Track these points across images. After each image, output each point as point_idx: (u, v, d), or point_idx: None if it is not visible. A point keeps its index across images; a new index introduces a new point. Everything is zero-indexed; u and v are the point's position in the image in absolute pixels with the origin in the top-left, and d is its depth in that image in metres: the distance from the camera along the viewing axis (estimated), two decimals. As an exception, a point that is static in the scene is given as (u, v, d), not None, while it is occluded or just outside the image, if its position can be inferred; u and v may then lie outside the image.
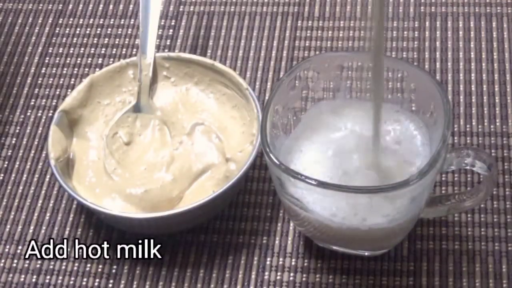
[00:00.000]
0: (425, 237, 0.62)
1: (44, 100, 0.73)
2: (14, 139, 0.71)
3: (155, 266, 0.63)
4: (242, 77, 0.68)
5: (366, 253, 0.61)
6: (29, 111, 0.72)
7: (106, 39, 0.77)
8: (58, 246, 0.64)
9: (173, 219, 0.61)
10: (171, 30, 0.77)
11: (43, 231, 0.65)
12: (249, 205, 0.65)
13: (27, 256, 0.64)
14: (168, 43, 0.76)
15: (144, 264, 0.63)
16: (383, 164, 0.56)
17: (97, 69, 0.74)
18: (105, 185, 0.64)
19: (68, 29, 0.78)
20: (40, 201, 0.67)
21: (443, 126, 0.53)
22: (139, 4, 0.72)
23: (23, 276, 0.63)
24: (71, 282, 0.62)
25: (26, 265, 0.64)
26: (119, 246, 0.64)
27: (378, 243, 0.59)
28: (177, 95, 0.68)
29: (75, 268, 0.63)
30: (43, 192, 0.67)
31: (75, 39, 0.77)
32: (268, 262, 0.62)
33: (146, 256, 0.63)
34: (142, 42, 0.68)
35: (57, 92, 0.74)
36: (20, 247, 0.65)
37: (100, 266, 0.63)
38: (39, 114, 0.72)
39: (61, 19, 0.79)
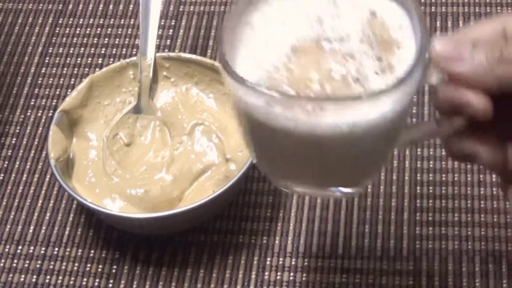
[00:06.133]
0: (425, 237, 0.62)
1: (44, 100, 0.73)
2: (14, 139, 0.71)
3: (155, 266, 0.63)
4: (242, 77, 0.68)
5: (337, 193, 0.51)
6: (29, 111, 0.72)
7: (106, 39, 0.77)
8: (58, 246, 0.64)
9: (173, 219, 0.61)
10: (171, 30, 0.77)
11: (43, 231, 0.65)
12: (249, 205, 0.65)
13: (27, 256, 0.64)
14: (168, 43, 0.76)
15: (144, 264, 0.63)
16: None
17: (97, 69, 0.74)
18: (105, 185, 0.64)
19: (68, 29, 0.78)
20: (40, 201, 0.67)
21: (420, 35, 0.45)
22: (139, 4, 0.72)
23: (23, 276, 0.63)
24: (71, 282, 0.63)
25: (26, 265, 0.64)
26: (119, 246, 0.64)
27: (347, 170, 0.49)
28: (177, 95, 0.68)
29: (75, 268, 0.63)
30: (43, 192, 0.67)
31: (75, 39, 0.77)
32: (268, 262, 0.62)
33: (146, 256, 0.63)
34: (142, 42, 0.68)
35: (57, 92, 0.74)
36: (20, 247, 0.65)
37: (100, 266, 0.63)
38: (39, 114, 0.72)
39: (61, 19, 0.79)
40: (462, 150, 0.45)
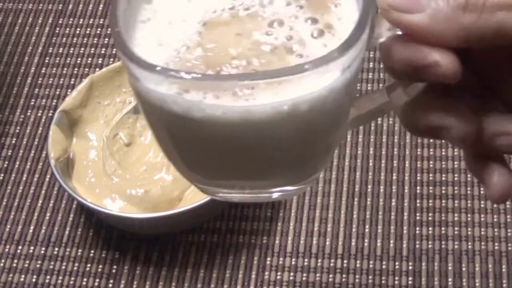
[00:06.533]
0: (424, 237, 0.62)
1: (44, 100, 0.73)
2: (14, 139, 0.71)
3: (155, 266, 0.63)
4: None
5: (274, 195, 0.42)
6: (29, 111, 0.72)
7: (106, 39, 0.77)
8: (58, 246, 0.64)
9: (173, 219, 0.61)
10: (171, 30, 0.77)
11: (43, 231, 0.65)
12: (249, 205, 0.65)
13: (27, 256, 0.64)
14: (168, 43, 0.76)
15: (144, 264, 0.63)
16: None
17: (97, 69, 0.74)
18: (105, 185, 0.64)
19: (68, 29, 0.78)
20: (40, 201, 0.67)
21: None
22: (139, 4, 0.72)
23: (23, 276, 0.63)
24: (71, 282, 0.63)
25: (26, 265, 0.64)
26: (119, 246, 0.64)
27: (291, 162, 0.40)
28: (177, 95, 0.68)
29: (75, 268, 0.63)
30: (43, 192, 0.67)
31: (75, 39, 0.77)
32: (268, 262, 0.62)
33: (146, 256, 0.63)
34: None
35: (57, 92, 0.74)
36: (20, 247, 0.65)
37: (100, 266, 0.63)
38: (39, 114, 0.72)
39: (61, 19, 0.79)
40: (429, 122, 0.36)
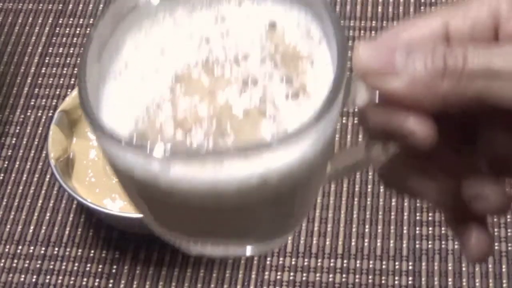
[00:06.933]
0: (424, 237, 0.62)
1: (44, 100, 0.73)
2: (14, 139, 0.71)
3: (155, 266, 0.63)
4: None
5: (249, 252, 0.42)
6: (29, 111, 0.72)
7: (106, 39, 0.77)
8: (58, 246, 0.64)
9: (173, 219, 0.61)
10: (171, 30, 0.77)
11: (43, 231, 0.65)
12: (249, 205, 0.65)
13: (27, 256, 0.64)
14: (168, 43, 0.76)
15: (144, 264, 0.63)
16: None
17: (97, 69, 0.74)
18: (105, 185, 0.64)
19: (68, 29, 0.78)
20: (40, 201, 0.67)
21: (336, 42, 0.36)
22: (139, 4, 0.72)
23: (23, 276, 0.63)
24: (71, 282, 0.63)
25: (26, 265, 0.64)
26: (119, 246, 0.64)
27: (263, 227, 0.40)
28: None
29: (75, 268, 0.63)
30: (43, 192, 0.67)
31: (75, 39, 0.77)
32: (268, 262, 0.62)
33: (146, 256, 0.63)
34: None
35: (57, 92, 0.74)
36: (20, 247, 0.65)
37: (100, 266, 0.63)
38: (39, 114, 0.72)
39: (61, 19, 0.79)
40: (405, 186, 0.36)
